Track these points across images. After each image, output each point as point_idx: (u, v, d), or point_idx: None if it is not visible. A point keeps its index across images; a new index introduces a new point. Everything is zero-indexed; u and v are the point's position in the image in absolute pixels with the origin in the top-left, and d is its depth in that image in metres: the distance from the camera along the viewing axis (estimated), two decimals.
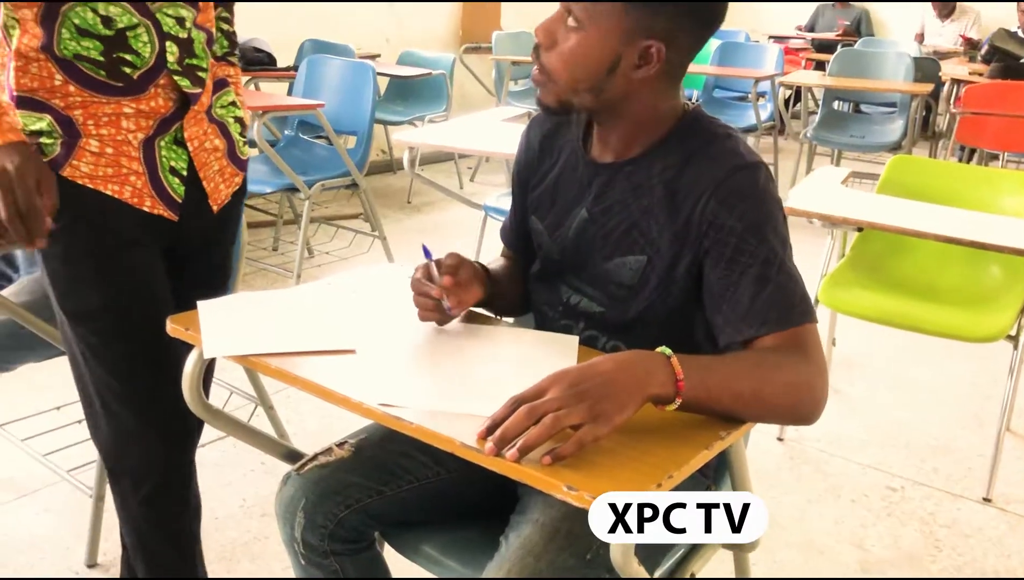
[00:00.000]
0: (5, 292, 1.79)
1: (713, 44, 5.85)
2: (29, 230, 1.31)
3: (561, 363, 1.18)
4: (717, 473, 1.36)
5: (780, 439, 2.66)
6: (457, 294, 1.25)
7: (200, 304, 1.30)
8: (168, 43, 1.40)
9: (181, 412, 1.36)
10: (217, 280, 1.65)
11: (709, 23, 1.16)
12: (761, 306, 1.13)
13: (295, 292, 1.38)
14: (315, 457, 1.32)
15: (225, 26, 1.60)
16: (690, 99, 5.82)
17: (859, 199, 2.55)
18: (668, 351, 1.04)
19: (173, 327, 1.24)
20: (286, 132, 3.94)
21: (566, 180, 1.32)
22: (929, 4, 7.78)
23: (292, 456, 1.44)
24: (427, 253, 1.28)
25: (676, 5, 1.12)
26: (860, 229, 2.54)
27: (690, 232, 1.18)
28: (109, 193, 1.41)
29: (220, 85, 1.57)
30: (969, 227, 2.20)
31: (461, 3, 6.35)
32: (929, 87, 5.00)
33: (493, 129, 3.41)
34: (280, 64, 4.51)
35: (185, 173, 1.49)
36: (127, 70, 1.38)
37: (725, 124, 1.24)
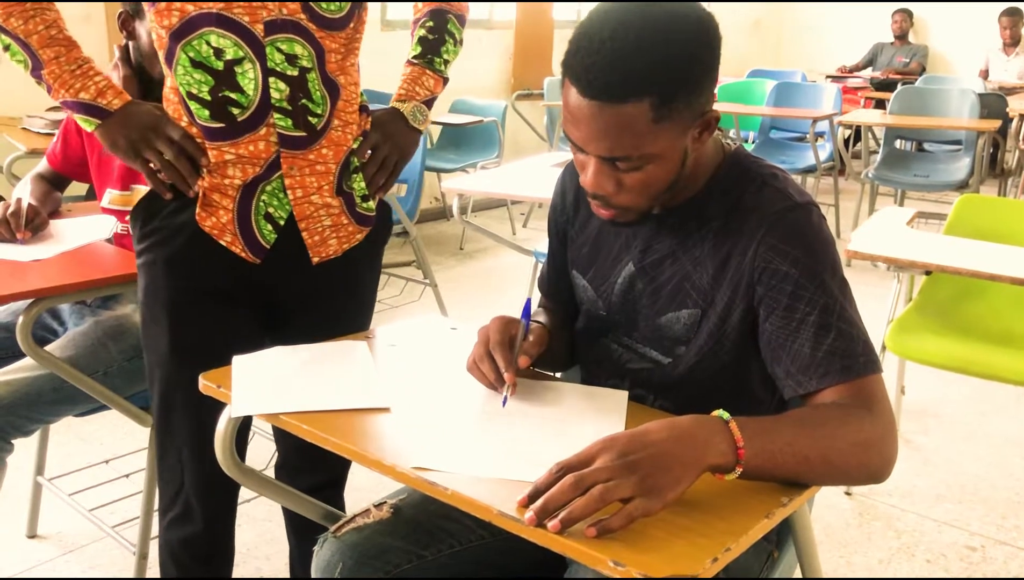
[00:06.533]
0: (50, 347, 1.79)
1: (769, 85, 5.77)
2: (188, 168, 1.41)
3: (609, 422, 1.12)
4: (780, 536, 1.27)
5: (848, 494, 2.52)
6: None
7: (235, 359, 1.27)
8: (272, 79, 1.37)
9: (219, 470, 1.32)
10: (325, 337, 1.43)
11: (720, 58, 1.09)
12: (823, 356, 1.06)
13: (332, 346, 1.34)
14: (353, 518, 1.26)
15: None
16: (746, 140, 5.72)
17: (927, 241, 2.44)
18: (726, 415, 0.97)
19: (205, 384, 1.20)
20: None
21: (608, 231, 1.26)
22: (993, 39, 7.60)
23: (330, 517, 1.38)
24: (527, 311, 1.20)
25: (701, 77, 1.05)
26: (928, 272, 2.43)
27: (742, 280, 1.12)
28: (195, 216, 1.42)
29: None
30: None
31: (513, 50, 6.38)
32: (996, 124, 4.85)
33: (544, 175, 3.36)
34: None
35: (283, 222, 1.45)
36: (233, 110, 1.37)
37: (770, 163, 1.18)
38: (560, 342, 1.35)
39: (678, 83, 1.03)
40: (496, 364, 1.17)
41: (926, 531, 2.36)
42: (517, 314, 1.23)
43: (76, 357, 1.77)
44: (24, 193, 1.96)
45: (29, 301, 1.61)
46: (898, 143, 5.32)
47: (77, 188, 2.20)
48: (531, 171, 3.43)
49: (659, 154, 1.06)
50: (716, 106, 1.11)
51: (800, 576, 1.13)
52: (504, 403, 1.15)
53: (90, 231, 1.88)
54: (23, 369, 1.75)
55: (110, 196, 1.92)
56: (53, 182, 2.06)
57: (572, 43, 1.06)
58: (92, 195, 2.21)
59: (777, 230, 1.10)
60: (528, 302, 1.21)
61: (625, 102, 1.01)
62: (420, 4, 1.62)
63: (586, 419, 1.12)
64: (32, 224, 1.85)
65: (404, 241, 4.13)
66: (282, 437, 1.65)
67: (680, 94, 1.03)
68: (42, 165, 2.05)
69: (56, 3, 1.40)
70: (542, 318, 1.37)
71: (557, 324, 1.36)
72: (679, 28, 1.03)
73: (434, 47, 1.60)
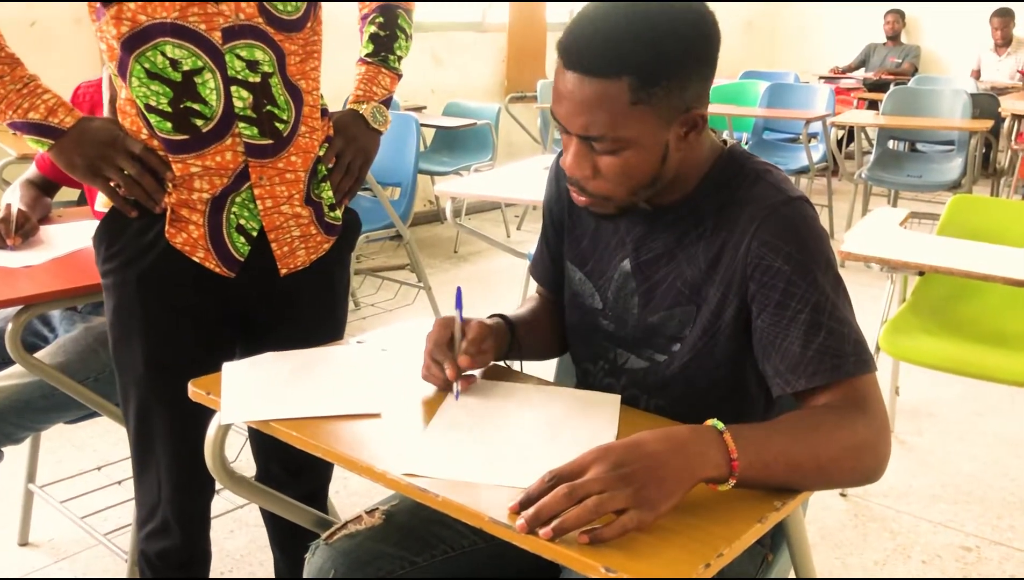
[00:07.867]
0: (40, 354, 1.78)
1: (762, 86, 5.77)
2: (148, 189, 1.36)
3: (601, 427, 1.11)
4: (774, 540, 1.26)
5: (843, 495, 2.52)
6: (469, 378, 1.19)
7: (225, 366, 1.26)
8: (234, 88, 1.32)
9: (197, 484, 1.34)
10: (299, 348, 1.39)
11: (716, 57, 1.09)
12: (813, 355, 1.06)
13: (323, 352, 1.33)
14: (345, 525, 1.25)
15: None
16: (739, 141, 5.71)
17: (920, 241, 2.44)
18: (720, 426, 0.96)
19: (194, 391, 1.20)
20: None
21: (606, 226, 1.26)
22: (985, 39, 7.62)
23: (321, 523, 1.38)
24: (459, 301, 1.21)
25: (688, 68, 1.05)
26: (921, 273, 2.43)
27: (735, 276, 1.12)
28: (165, 235, 1.38)
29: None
30: None
31: (506, 53, 6.38)
32: (988, 123, 4.85)
33: (538, 177, 3.35)
34: None
35: (255, 234, 1.41)
36: (197, 121, 1.32)
37: (763, 160, 1.18)
38: (554, 329, 1.36)
39: (661, 68, 1.03)
40: (441, 366, 1.18)
41: (921, 532, 2.36)
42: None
43: (66, 363, 1.76)
44: (14, 199, 1.95)
45: (18, 308, 1.60)
46: (891, 143, 5.33)
47: (67, 193, 2.19)
48: (525, 174, 3.43)
49: (635, 140, 1.06)
50: (708, 108, 1.11)
51: (795, 578, 1.13)
52: (456, 397, 1.16)
53: (80, 237, 1.87)
54: (12, 376, 1.74)
55: (103, 198, 1.91)
56: (43, 188, 2.05)
57: (568, 25, 1.08)
58: (83, 200, 2.20)
59: (770, 225, 1.09)
60: (459, 291, 1.21)
61: (604, 77, 1.02)
62: (367, 1, 1.60)
63: (578, 424, 1.12)
64: (22, 230, 1.84)
65: (398, 244, 4.13)
66: (262, 450, 1.63)
67: (661, 80, 1.03)
68: (32, 171, 2.04)
69: (48, 3, 1.37)
70: (531, 306, 1.38)
71: (553, 312, 1.37)
72: (672, 17, 1.04)
73: (387, 44, 1.57)
